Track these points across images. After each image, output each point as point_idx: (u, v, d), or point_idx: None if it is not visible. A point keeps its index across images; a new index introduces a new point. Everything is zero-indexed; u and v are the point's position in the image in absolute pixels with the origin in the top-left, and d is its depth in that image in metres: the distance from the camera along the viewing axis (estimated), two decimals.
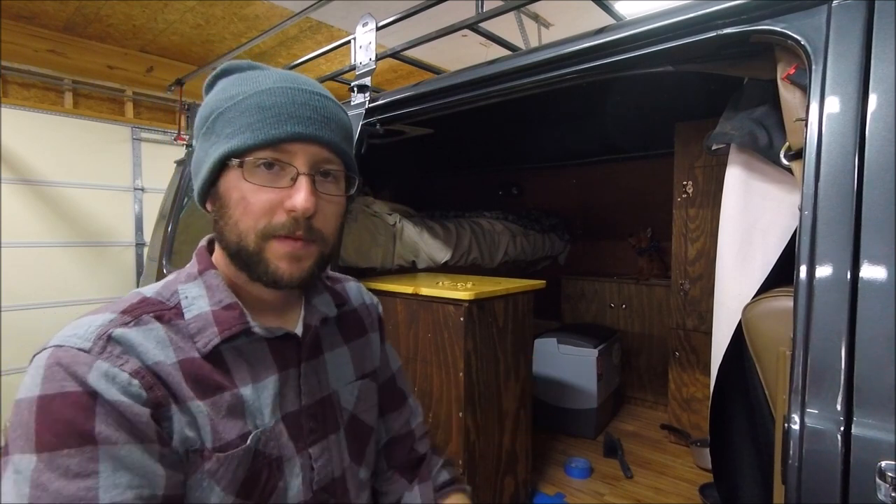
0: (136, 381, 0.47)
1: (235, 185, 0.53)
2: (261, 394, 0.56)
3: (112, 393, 0.45)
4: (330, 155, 0.56)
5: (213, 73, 0.60)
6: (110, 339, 0.48)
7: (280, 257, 0.54)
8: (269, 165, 0.52)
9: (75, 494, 0.42)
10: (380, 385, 0.77)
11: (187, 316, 0.54)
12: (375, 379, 0.75)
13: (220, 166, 0.54)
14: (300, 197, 0.52)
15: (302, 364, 0.61)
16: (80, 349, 0.46)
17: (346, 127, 0.59)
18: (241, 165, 0.52)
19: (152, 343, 0.50)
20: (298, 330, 0.62)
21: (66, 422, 0.43)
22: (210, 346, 0.53)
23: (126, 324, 0.50)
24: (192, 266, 0.60)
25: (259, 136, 0.52)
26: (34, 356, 0.48)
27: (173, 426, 0.49)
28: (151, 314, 0.53)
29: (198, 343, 0.53)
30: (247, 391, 0.55)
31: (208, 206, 0.59)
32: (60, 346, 0.46)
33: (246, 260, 0.54)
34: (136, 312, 0.52)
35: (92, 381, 0.45)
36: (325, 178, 0.56)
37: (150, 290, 0.57)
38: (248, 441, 0.53)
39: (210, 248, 0.63)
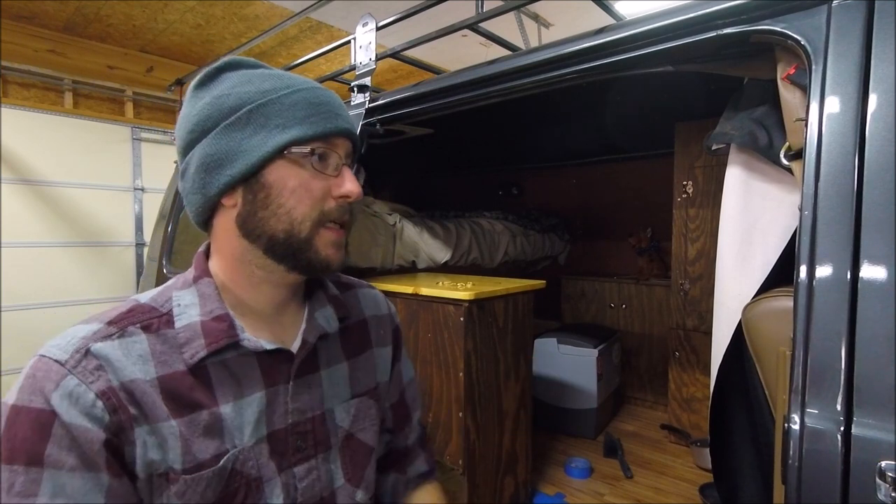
0: (100, 403, 0.47)
1: (293, 172, 0.54)
2: (243, 411, 0.55)
3: (71, 415, 0.46)
4: (351, 149, 0.61)
5: (216, 65, 0.58)
6: (88, 352, 0.48)
7: (329, 245, 0.57)
8: (324, 156, 0.56)
9: None
10: (387, 405, 0.76)
11: (177, 325, 0.54)
12: (376, 396, 0.71)
13: (274, 155, 0.53)
14: (353, 184, 0.57)
15: (291, 381, 0.59)
16: (56, 360, 0.47)
17: None
18: (312, 153, 0.55)
19: (132, 358, 0.50)
20: (296, 344, 0.61)
21: (23, 438, 0.45)
22: (196, 359, 0.53)
23: (109, 336, 0.50)
24: (189, 272, 0.59)
25: (318, 128, 0.55)
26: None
27: (136, 451, 0.49)
28: (138, 324, 0.53)
29: (185, 354, 0.53)
30: (227, 409, 0.54)
31: (230, 201, 0.55)
32: (43, 356, 0.48)
33: (295, 248, 0.55)
34: (122, 323, 0.52)
35: (55, 400, 0.46)
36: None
37: (146, 295, 0.57)
38: (222, 461, 0.52)
39: (208, 254, 0.61)
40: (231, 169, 0.54)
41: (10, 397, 0.47)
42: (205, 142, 0.54)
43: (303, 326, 0.63)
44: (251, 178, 0.54)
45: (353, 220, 0.61)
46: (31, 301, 2.89)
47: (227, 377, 0.55)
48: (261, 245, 0.55)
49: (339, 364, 0.67)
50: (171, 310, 0.55)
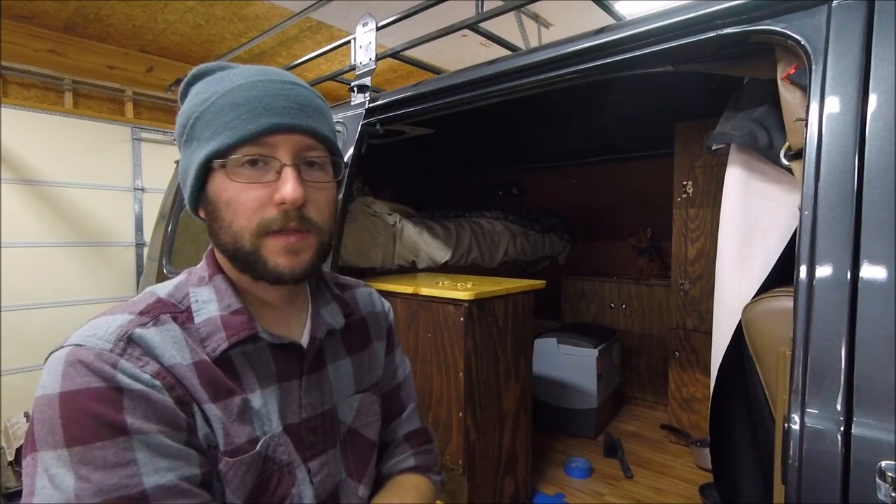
0: (157, 382, 0.47)
1: (222, 186, 0.53)
2: (267, 400, 0.56)
3: (138, 386, 0.46)
4: (312, 142, 0.55)
5: (185, 80, 0.58)
6: (130, 340, 0.48)
7: (277, 253, 0.53)
8: (253, 162, 0.52)
9: (118, 483, 0.42)
10: (381, 396, 0.75)
11: (197, 320, 0.54)
12: (377, 391, 0.72)
13: (205, 170, 0.53)
14: (287, 188, 0.51)
15: (304, 377, 0.60)
16: (100, 349, 0.47)
17: (324, 112, 0.58)
18: (224, 166, 0.52)
19: (169, 344, 0.51)
20: (304, 340, 0.61)
21: (94, 415, 0.43)
22: (219, 351, 0.53)
23: (144, 324, 0.51)
24: (202, 269, 0.60)
25: (237, 133, 0.51)
26: (50, 354, 0.48)
27: (196, 423, 0.50)
28: (168, 314, 0.53)
29: (207, 347, 0.53)
30: (255, 397, 0.55)
31: (201, 213, 0.58)
32: (80, 346, 0.47)
33: (244, 260, 0.54)
34: (153, 313, 0.52)
35: (118, 377, 0.45)
36: (310, 167, 0.55)
37: (163, 290, 0.57)
38: (258, 447, 0.53)
39: None
40: (186, 186, 0.57)
41: (53, 388, 0.44)
42: (180, 160, 0.58)
43: (308, 323, 0.63)
44: (200, 193, 0.56)
45: (321, 222, 0.55)
46: (31, 301, 2.89)
47: (249, 368, 0.56)
48: (226, 256, 0.56)
49: (343, 360, 0.68)
50: (189, 306, 0.56)
